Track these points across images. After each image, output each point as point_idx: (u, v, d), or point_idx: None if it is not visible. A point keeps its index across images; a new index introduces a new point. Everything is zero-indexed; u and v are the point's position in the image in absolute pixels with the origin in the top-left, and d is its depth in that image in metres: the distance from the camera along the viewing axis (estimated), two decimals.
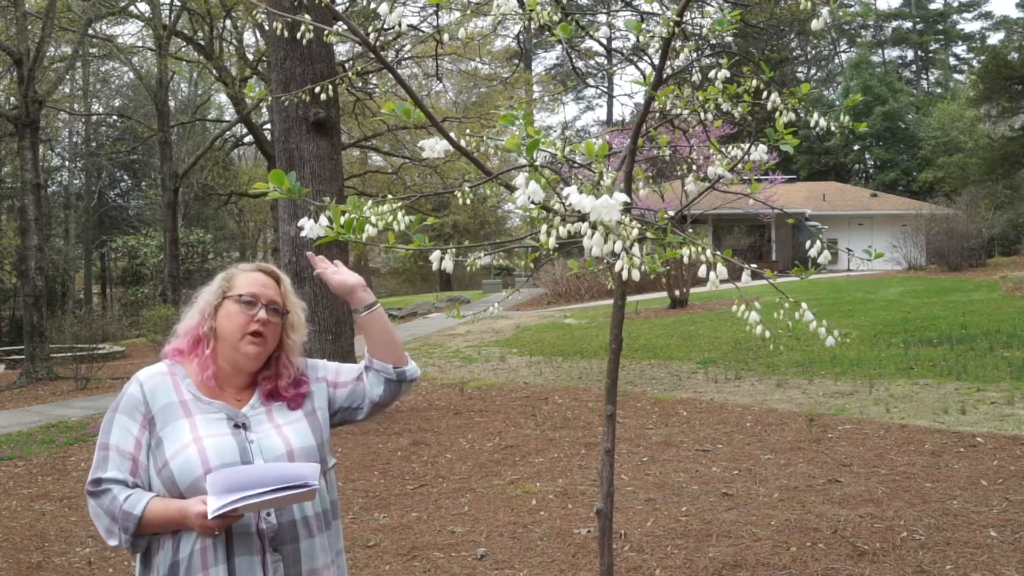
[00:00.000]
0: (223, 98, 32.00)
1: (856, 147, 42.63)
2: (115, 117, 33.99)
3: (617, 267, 1.73)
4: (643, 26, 2.38)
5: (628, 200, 1.74)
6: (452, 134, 2.16)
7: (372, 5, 18.26)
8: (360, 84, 18.05)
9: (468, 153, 2.17)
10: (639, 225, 1.84)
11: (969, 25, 53.73)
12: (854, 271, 24.13)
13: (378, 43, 2.63)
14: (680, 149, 3.33)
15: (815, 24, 2.16)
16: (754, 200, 2.71)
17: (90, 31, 18.91)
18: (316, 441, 1.86)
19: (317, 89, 3.68)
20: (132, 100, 33.75)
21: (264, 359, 1.88)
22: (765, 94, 2.71)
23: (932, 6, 52.17)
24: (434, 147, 2.09)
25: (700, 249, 1.86)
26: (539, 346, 13.84)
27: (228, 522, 1.64)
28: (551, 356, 12.60)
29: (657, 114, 2.98)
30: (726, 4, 12.98)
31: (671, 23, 2.22)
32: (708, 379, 9.57)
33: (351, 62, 16.97)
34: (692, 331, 14.06)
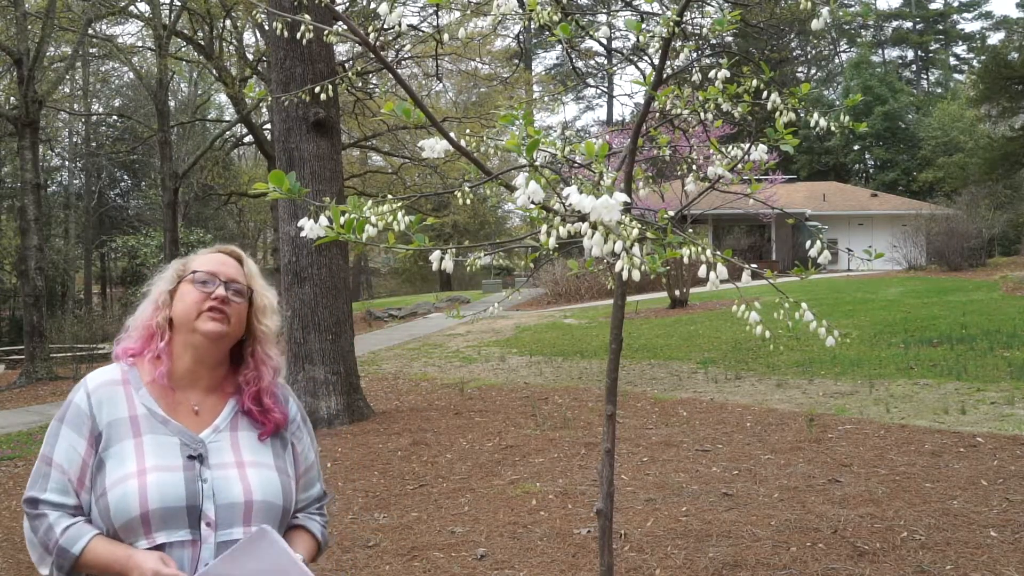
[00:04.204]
0: (223, 98, 32.02)
1: (856, 147, 42.62)
2: (115, 117, 33.98)
3: (617, 267, 1.73)
4: (643, 26, 2.38)
5: (628, 200, 1.74)
6: (452, 134, 2.16)
7: (372, 5, 18.26)
8: (360, 84, 18.05)
9: (468, 153, 2.17)
10: (639, 225, 1.84)
11: (969, 25, 53.67)
12: (854, 271, 24.14)
13: (378, 43, 2.63)
14: (680, 149, 3.33)
15: (815, 24, 2.16)
16: (754, 200, 2.71)
17: (90, 31, 18.90)
18: (284, 503, 1.62)
19: (317, 89, 3.69)
20: (132, 100, 33.73)
21: (227, 344, 1.66)
22: (765, 94, 2.72)
23: (932, 6, 52.17)
24: (434, 147, 2.09)
25: (700, 249, 1.86)
26: (539, 346, 13.84)
27: None
28: (551, 356, 12.61)
29: (657, 114, 2.98)
30: (726, 4, 12.97)
31: (671, 23, 2.22)
32: (708, 379, 9.57)
33: (351, 62, 16.97)
34: (692, 331, 14.06)
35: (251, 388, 1.66)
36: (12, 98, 18.58)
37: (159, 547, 1.49)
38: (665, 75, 2.47)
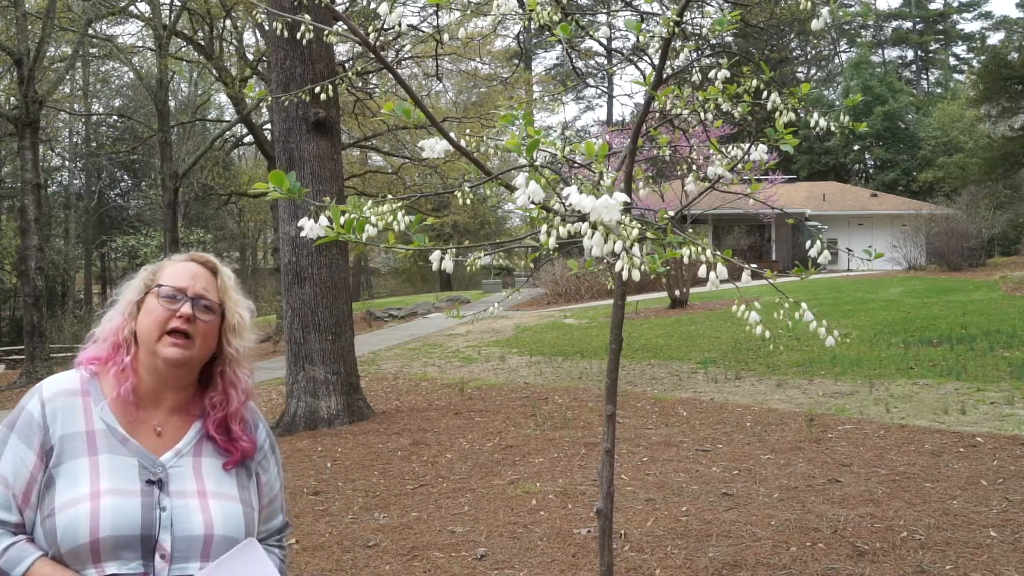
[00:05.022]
0: (223, 98, 32.01)
1: (856, 147, 42.62)
2: (115, 117, 34.01)
3: (617, 267, 1.73)
4: (643, 26, 2.38)
5: (628, 200, 1.74)
6: (452, 134, 2.16)
7: (372, 5, 18.26)
8: (360, 84, 18.05)
9: (468, 153, 2.17)
10: (639, 225, 1.84)
11: (969, 25, 53.74)
12: (854, 271, 24.14)
13: (378, 43, 2.63)
14: (680, 149, 3.33)
15: (815, 24, 2.16)
16: (754, 200, 2.71)
17: (90, 31, 18.91)
18: (244, 538, 1.49)
19: (317, 89, 3.69)
20: (132, 100, 33.75)
21: (192, 369, 1.54)
22: (765, 94, 2.72)
23: (932, 6, 52.17)
24: (434, 147, 2.09)
25: (700, 249, 1.86)
26: (539, 346, 13.84)
27: None
28: (551, 356, 12.61)
29: (657, 114, 2.98)
30: (726, 4, 12.97)
31: (671, 23, 2.23)
32: (708, 379, 9.57)
33: (351, 62, 16.97)
34: (692, 331, 14.06)
35: (217, 412, 1.54)
36: (12, 98, 18.59)
37: None
38: (665, 75, 2.47)
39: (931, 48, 52.52)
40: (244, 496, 1.53)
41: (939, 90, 48.31)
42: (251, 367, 1.60)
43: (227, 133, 25.64)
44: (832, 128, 2.70)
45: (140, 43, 24.19)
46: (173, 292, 1.50)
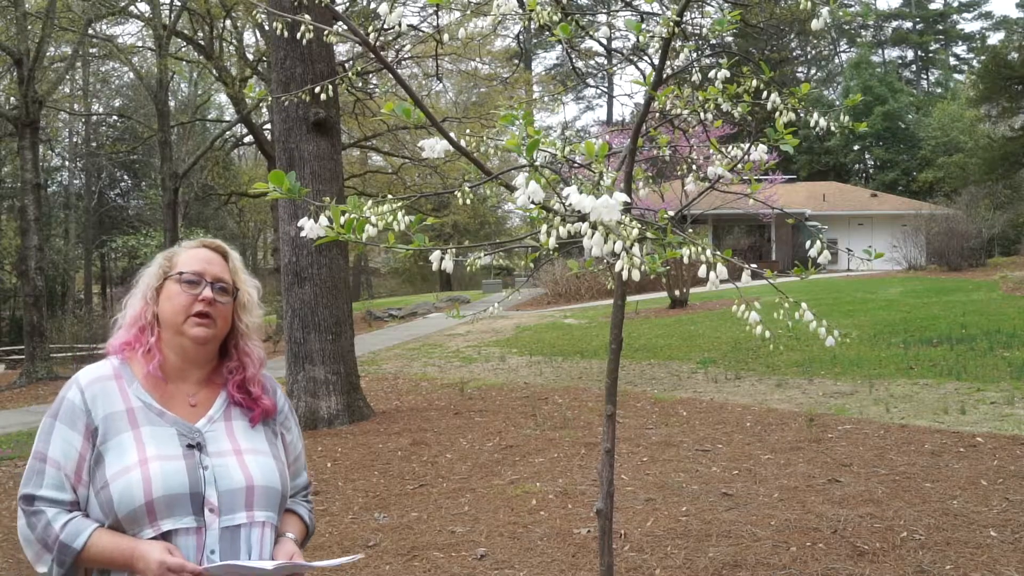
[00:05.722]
0: (223, 98, 32.00)
1: (856, 147, 42.63)
2: (115, 117, 34.00)
3: (617, 267, 1.73)
4: (643, 26, 2.38)
5: (628, 200, 1.74)
6: (452, 134, 2.16)
7: (372, 5, 18.27)
8: (360, 84, 18.05)
9: (468, 153, 2.17)
10: (639, 225, 1.84)
11: (969, 25, 53.71)
12: (854, 271, 24.13)
13: (378, 43, 2.63)
14: (680, 149, 3.33)
15: (815, 24, 2.16)
16: (754, 200, 2.71)
17: (90, 31, 18.91)
18: (281, 487, 1.66)
19: (317, 89, 3.68)
20: (132, 100, 33.72)
21: (215, 345, 1.70)
22: (765, 94, 2.72)
23: (932, 6, 52.18)
24: (434, 147, 2.09)
25: (700, 249, 1.86)
26: (539, 346, 13.84)
27: None
28: (551, 356, 12.61)
29: (657, 114, 2.98)
30: (726, 4, 12.97)
31: (671, 23, 2.23)
32: (708, 379, 9.57)
33: (351, 62, 16.97)
34: (692, 331, 14.06)
35: (235, 377, 1.70)
36: (12, 98, 18.59)
37: (165, 535, 1.51)
38: (665, 75, 2.47)
39: (931, 48, 52.52)
40: (274, 452, 1.69)
41: (939, 90, 48.31)
42: (260, 338, 1.77)
43: (227, 133, 25.64)
44: (832, 128, 2.70)
45: (140, 43, 24.19)
46: (193, 277, 1.65)
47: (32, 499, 1.53)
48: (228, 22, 20.28)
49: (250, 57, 21.02)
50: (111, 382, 1.61)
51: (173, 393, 1.64)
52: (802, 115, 2.68)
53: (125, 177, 39.68)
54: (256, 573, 1.51)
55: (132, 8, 20.10)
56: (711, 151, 2.86)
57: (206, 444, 1.60)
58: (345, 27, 2.21)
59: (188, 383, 1.67)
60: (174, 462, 1.54)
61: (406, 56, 19.62)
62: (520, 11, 2.84)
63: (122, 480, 1.50)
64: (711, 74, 2.67)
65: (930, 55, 52.94)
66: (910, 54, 54.12)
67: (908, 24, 52.32)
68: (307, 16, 2.71)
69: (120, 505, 1.50)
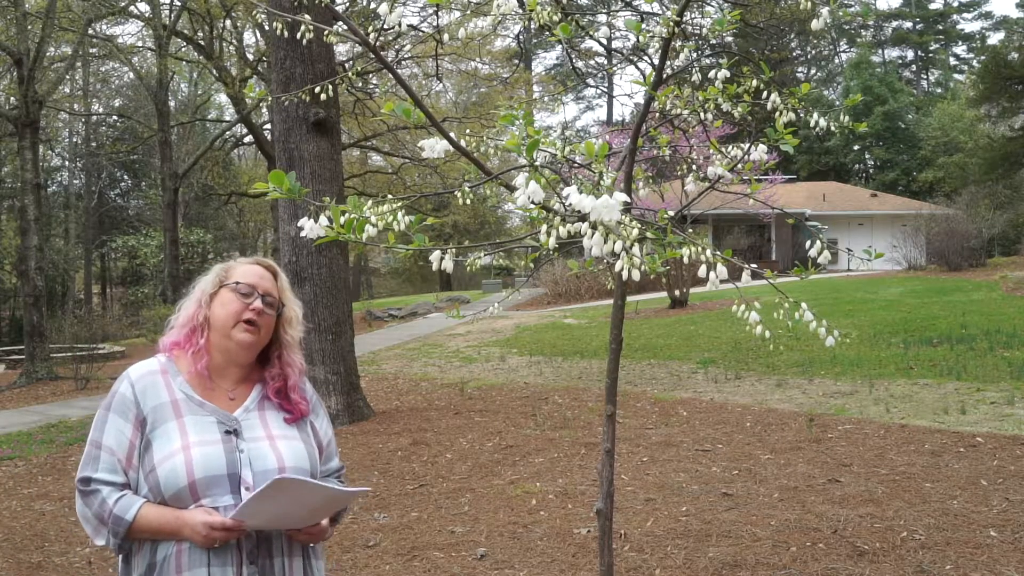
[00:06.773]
0: (223, 98, 32.01)
1: (856, 147, 42.61)
2: (115, 117, 33.99)
3: (617, 267, 1.73)
4: (643, 26, 2.38)
5: (628, 200, 1.74)
6: (452, 134, 2.16)
7: (372, 5, 18.26)
8: (360, 84, 18.06)
9: (468, 153, 2.17)
10: (639, 225, 1.84)
11: (969, 25, 53.75)
12: (854, 271, 24.12)
13: (378, 43, 2.63)
14: (680, 149, 3.32)
15: (815, 24, 2.16)
16: (754, 200, 2.71)
17: (90, 31, 18.91)
18: (311, 469, 1.82)
19: (317, 89, 3.68)
20: (132, 100, 33.72)
21: (256, 351, 1.86)
22: (765, 94, 2.71)
23: (932, 6, 52.17)
24: (434, 147, 2.09)
25: (700, 249, 1.86)
26: (539, 346, 13.84)
27: (231, 535, 1.65)
28: (551, 356, 12.60)
29: (657, 114, 2.98)
30: (726, 4, 12.97)
31: (671, 23, 2.23)
32: (708, 379, 9.57)
33: (351, 62, 16.97)
34: (692, 331, 14.06)
35: (276, 383, 1.87)
36: (12, 98, 18.58)
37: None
38: (665, 75, 2.47)
39: (931, 48, 52.51)
40: (304, 437, 1.86)
41: (939, 90, 48.29)
42: (302, 352, 1.96)
43: (227, 133, 25.65)
44: (832, 128, 2.70)
45: (140, 43, 24.20)
46: (247, 288, 1.83)
47: (89, 480, 1.71)
48: (228, 22, 20.29)
49: (250, 57, 21.02)
50: (158, 376, 1.79)
51: (214, 388, 1.82)
52: (802, 115, 2.67)
53: (125, 177, 39.69)
54: (278, 503, 1.65)
55: (132, 8, 20.11)
56: (711, 151, 2.86)
57: (242, 431, 1.77)
58: (345, 27, 2.21)
59: (227, 380, 1.84)
60: (213, 446, 1.72)
61: (406, 56, 19.63)
62: (520, 11, 2.85)
63: (167, 464, 1.69)
64: (711, 74, 2.67)
65: (930, 55, 52.93)
66: (910, 54, 54.11)
67: (908, 24, 52.31)
68: (307, 16, 2.71)
69: (166, 486, 1.67)
